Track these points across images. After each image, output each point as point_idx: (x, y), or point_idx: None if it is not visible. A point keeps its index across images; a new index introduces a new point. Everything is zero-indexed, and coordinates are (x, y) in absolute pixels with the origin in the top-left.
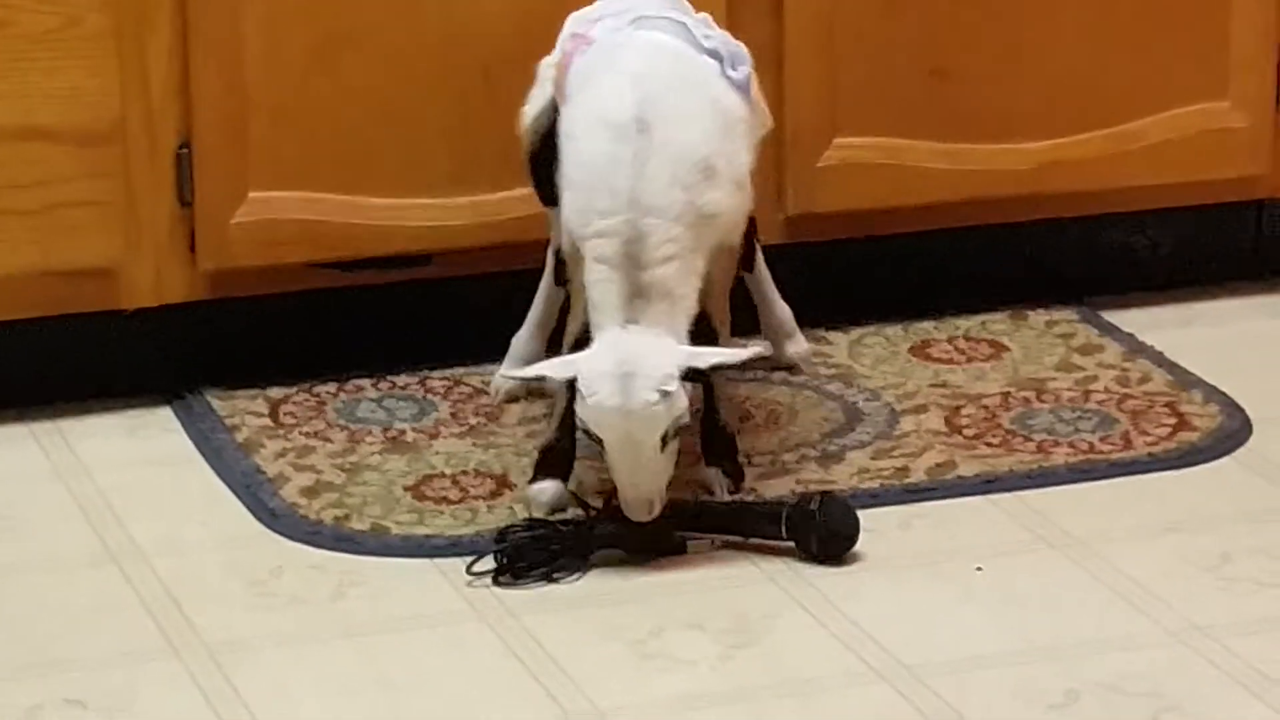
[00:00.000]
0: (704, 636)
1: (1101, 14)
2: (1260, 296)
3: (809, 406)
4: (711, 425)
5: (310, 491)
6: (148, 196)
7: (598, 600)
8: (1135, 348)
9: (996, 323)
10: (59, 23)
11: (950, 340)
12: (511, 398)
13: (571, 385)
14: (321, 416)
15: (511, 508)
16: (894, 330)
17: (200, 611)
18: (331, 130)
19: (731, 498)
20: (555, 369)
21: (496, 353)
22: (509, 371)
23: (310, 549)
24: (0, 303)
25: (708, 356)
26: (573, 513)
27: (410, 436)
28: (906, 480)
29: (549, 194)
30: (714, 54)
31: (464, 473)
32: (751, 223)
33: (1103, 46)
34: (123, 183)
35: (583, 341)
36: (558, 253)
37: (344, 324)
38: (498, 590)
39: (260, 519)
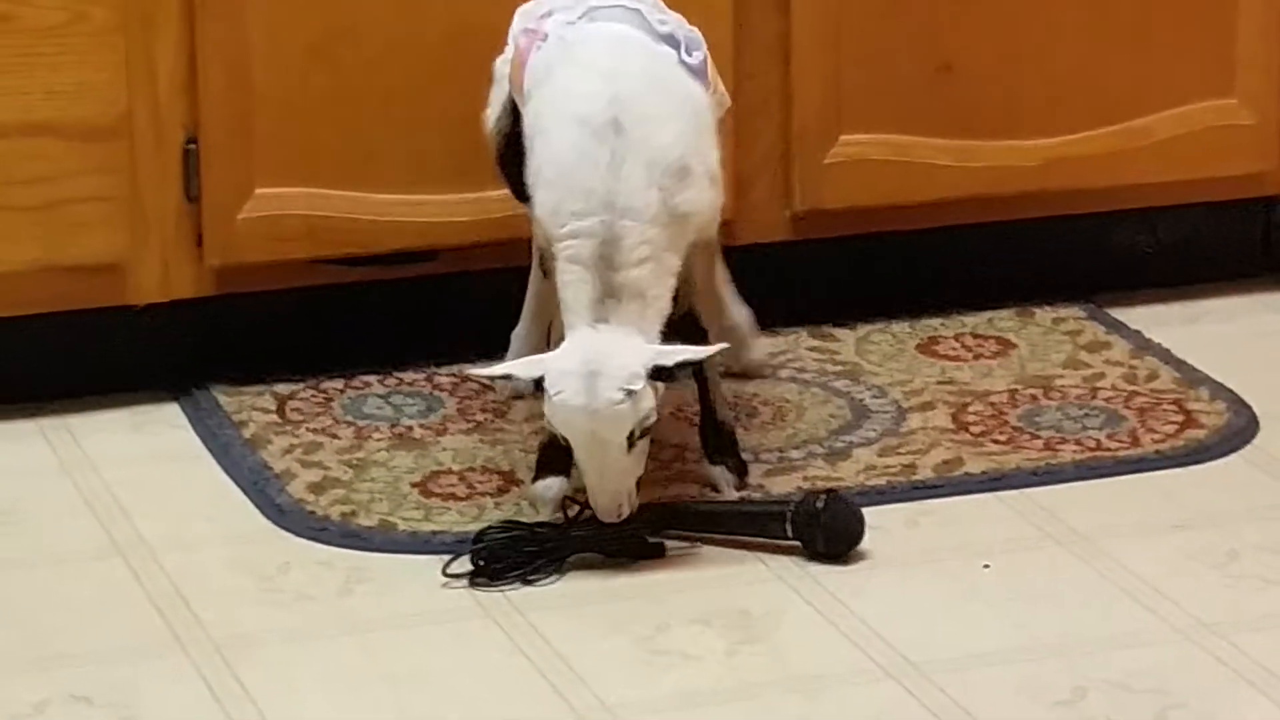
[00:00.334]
0: (710, 633)
1: (1108, 10)
2: (1268, 293)
3: (816, 403)
4: (710, 423)
5: (317, 487)
6: (154, 192)
7: (604, 596)
8: (1142, 345)
9: (1004, 320)
10: (65, 18)
11: (957, 337)
12: (518, 394)
13: (539, 384)
14: (328, 412)
15: (519, 504)
16: (901, 327)
17: (207, 607)
18: (337, 126)
19: (738, 495)
20: (522, 368)
21: (503, 348)
22: (474, 370)
23: (317, 545)
24: (7, 298)
25: (674, 355)
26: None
27: (417, 433)
28: (913, 477)
29: (523, 191)
30: (670, 39)
31: (471, 469)
32: None
33: (1110, 43)
34: (129, 178)
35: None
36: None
37: (350, 320)
38: (504, 586)
39: (267, 515)
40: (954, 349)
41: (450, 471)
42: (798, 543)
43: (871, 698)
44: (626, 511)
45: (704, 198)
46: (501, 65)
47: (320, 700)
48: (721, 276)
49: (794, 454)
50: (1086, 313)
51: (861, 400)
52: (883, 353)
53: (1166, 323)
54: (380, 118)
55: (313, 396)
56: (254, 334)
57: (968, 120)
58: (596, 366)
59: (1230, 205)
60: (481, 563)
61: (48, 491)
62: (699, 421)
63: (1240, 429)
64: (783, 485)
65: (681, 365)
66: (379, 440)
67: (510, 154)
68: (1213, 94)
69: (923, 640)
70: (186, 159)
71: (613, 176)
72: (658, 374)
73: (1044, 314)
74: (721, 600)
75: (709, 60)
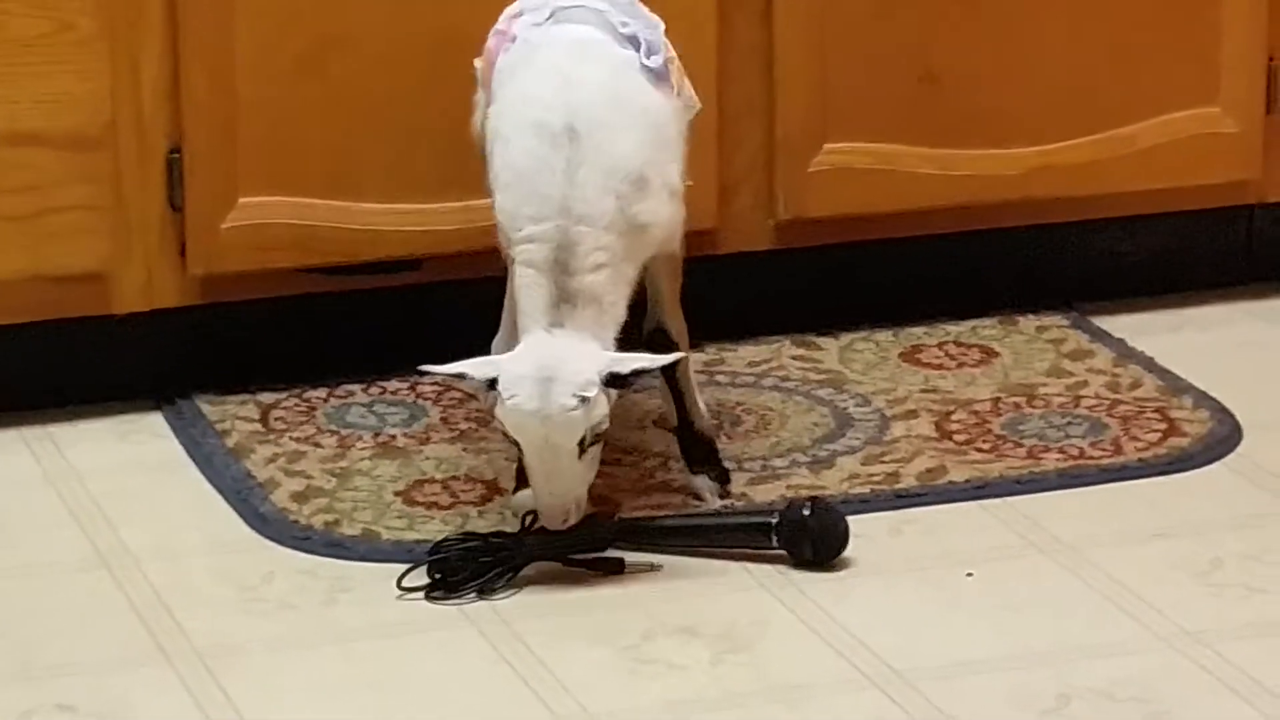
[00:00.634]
0: (695, 642)
1: (1092, 19)
2: (1251, 301)
3: (800, 412)
4: (688, 433)
5: (301, 497)
6: (138, 201)
7: (589, 605)
8: (1125, 353)
9: (987, 328)
10: (50, 27)
11: (941, 346)
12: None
13: (493, 384)
14: (312, 421)
15: (502, 513)
16: (884, 336)
17: (191, 617)
18: (321, 135)
19: (720, 504)
20: (476, 368)
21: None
22: (428, 368)
23: (301, 554)
24: None
25: (629, 362)
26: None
27: (401, 442)
28: (897, 486)
29: None
30: (633, 40)
31: (455, 478)
32: None
33: (1093, 51)
34: (113, 187)
35: None
36: None
37: (334, 329)
38: (460, 600)
39: (251, 524)
40: (937, 357)
41: (434, 480)
42: (784, 552)
43: (856, 706)
44: (574, 519)
45: (662, 210)
46: (477, 66)
47: (304, 709)
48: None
49: (777, 463)
50: (1070, 321)
51: (845, 409)
52: (866, 361)
53: (1150, 331)
54: (365, 127)
55: (296, 405)
56: (238, 343)
57: (952, 129)
58: (551, 372)
59: (1213, 213)
60: (438, 575)
61: (31, 501)
62: (678, 432)
63: (1223, 437)
64: (766, 494)
65: (636, 373)
66: (362, 449)
67: None
68: (1196, 102)
69: (907, 649)
70: (170, 168)
71: (568, 182)
72: (612, 381)
73: (1027, 322)
74: (706, 609)
75: (674, 62)
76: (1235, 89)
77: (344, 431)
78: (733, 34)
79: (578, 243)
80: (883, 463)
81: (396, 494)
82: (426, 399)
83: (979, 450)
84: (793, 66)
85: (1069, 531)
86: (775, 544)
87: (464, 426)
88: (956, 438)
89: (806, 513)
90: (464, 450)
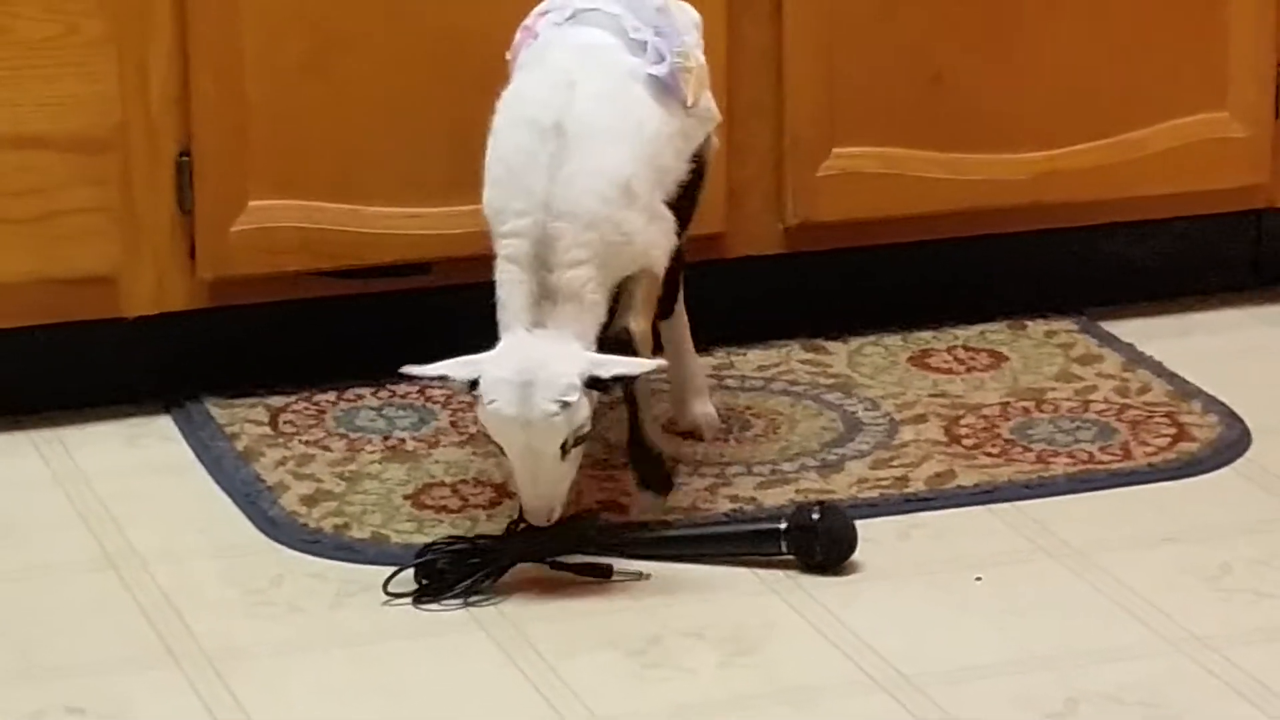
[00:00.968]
0: (703, 645)
1: (1101, 23)
2: (1260, 306)
3: (808, 416)
4: (639, 450)
5: (310, 500)
6: (147, 204)
7: (596, 609)
8: (1134, 358)
9: (995, 332)
10: (58, 30)
11: (949, 350)
12: None
13: (474, 385)
14: (321, 425)
15: (510, 517)
16: (893, 340)
17: (200, 619)
18: (330, 138)
19: (723, 514)
20: (457, 369)
21: None
22: (409, 370)
23: (310, 558)
24: (0, 310)
25: (610, 365)
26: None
27: (410, 445)
28: (905, 490)
29: None
30: (645, 46)
31: (464, 481)
32: (677, 263)
33: (1102, 56)
34: (122, 190)
35: None
36: None
37: (343, 332)
38: (497, 598)
39: (260, 527)
40: (946, 362)
41: (443, 484)
42: (791, 557)
43: (864, 710)
44: (556, 516)
45: (645, 228)
46: (509, 59)
47: (312, 712)
48: (683, 322)
49: (786, 467)
50: (1078, 325)
51: (854, 413)
52: (875, 365)
53: (1159, 335)
54: (374, 130)
55: (305, 409)
56: (247, 346)
57: (960, 133)
58: (531, 376)
59: (1222, 218)
60: (425, 580)
61: (40, 503)
62: (627, 442)
63: (1232, 442)
64: (775, 498)
65: (617, 378)
66: (371, 453)
67: None
68: (1205, 107)
69: (914, 652)
70: (179, 171)
71: (550, 178)
72: (593, 384)
73: (1036, 327)
74: (714, 613)
75: (694, 71)
76: (1244, 94)
77: (353, 435)
78: (742, 38)
79: (557, 238)
80: (891, 467)
81: (406, 497)
82: (435, 403)
83: (988, 454)
84: (801, 70)
85: (1078, 536)
86: (784, 549)
87: (473, 430)
88: (965, 442)
89: (815, 517)
90: (473, 454)
